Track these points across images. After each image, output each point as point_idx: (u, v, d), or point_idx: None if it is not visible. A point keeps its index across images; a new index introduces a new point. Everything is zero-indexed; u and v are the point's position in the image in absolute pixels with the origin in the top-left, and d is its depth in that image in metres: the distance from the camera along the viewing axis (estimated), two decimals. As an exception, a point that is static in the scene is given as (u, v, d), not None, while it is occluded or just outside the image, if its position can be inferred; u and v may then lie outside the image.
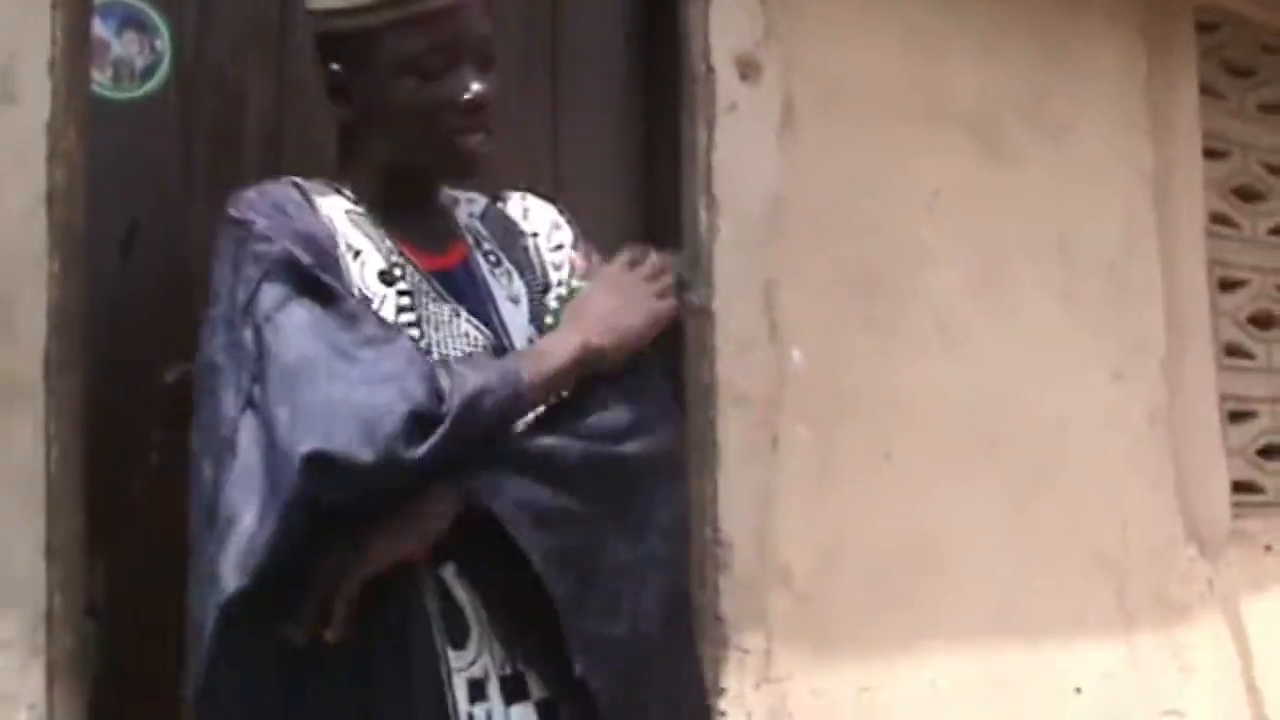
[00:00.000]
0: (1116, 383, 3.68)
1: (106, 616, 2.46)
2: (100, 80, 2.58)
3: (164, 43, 2.66)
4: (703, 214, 3.02)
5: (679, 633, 1.91)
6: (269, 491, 1.65)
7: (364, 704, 1.74)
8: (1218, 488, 3.90)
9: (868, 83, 3.29)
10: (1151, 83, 3.86)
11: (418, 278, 1.90)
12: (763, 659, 3.03)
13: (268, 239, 1.77)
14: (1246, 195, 4.19)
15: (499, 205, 2.08)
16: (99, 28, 2.58)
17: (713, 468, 3.02)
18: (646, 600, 1.81)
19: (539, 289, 2.01)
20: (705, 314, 3.03)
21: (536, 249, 2.04)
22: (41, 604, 2.29)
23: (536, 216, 2.07)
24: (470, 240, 2.01)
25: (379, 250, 1.88)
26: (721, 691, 2.95)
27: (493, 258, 2.01)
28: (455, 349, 1.88)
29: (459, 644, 1.79)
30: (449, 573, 1.79)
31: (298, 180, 1.92)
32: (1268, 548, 3.98)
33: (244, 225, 1.79)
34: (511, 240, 2.03)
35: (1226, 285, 4.08)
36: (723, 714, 2.95)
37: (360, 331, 1.75)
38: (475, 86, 1.85)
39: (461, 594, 1.79)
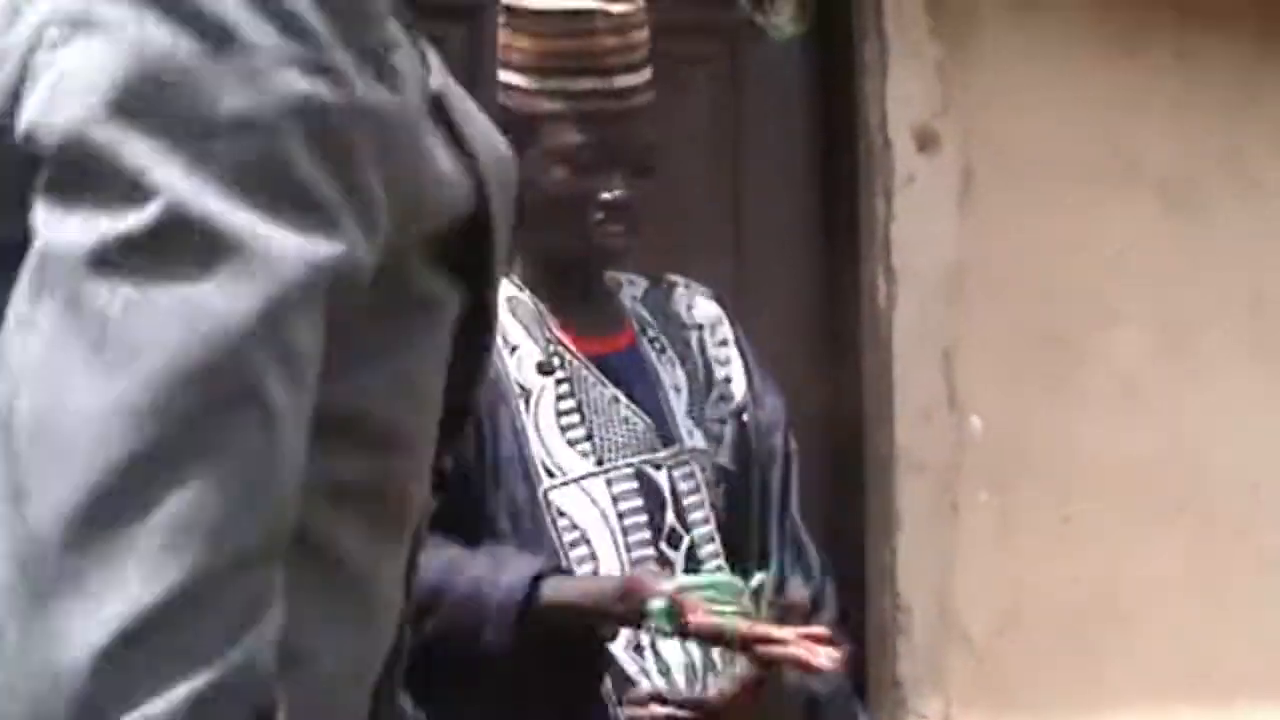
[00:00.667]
0: (1312, 442, 3.62)
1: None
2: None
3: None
4: (881, 285, 3.08)
5: None
6: None
7: None
8: None
9: (1049, 147, 3.30)
10: (1351, 132, 3.78)
11: (576, 364, 1.97)
12: (941, 723, 3.08)
13: None
14: None
15: (660, 289, 2.14)
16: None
17: (891, 534, 3.08)
18: None
19: (701, 382, 2.09)
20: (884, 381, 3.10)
21: (701, 342, 2.11)
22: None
23: (701, 310, 2.13)
24: (637, 325, 2.09)
25: (536, 341, 1.96)
26: (899, 755, 3.01)
27: (658, 344, 2.07)
28: (616, 435, 1.96)
29: None
30: None
31: None
32: None
33: None
34: (675, 329, 2.09)
35: None
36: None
37: None
38: (618, 190, 1.93)
39: None
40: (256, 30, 0.80)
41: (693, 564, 1.94)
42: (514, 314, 1.95)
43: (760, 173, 3.13)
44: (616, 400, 1.97)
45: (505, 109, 1.95)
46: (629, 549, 1.92)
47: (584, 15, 1.93)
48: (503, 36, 2.00)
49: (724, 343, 2.12)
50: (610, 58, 1.94)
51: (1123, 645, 3.29)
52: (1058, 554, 3.24)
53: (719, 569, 1.96)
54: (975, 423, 3.17)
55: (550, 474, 1.92)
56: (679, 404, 2.04)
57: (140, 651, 0.73)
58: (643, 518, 1.94)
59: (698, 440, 2.03)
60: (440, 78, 0.94)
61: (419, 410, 0.94)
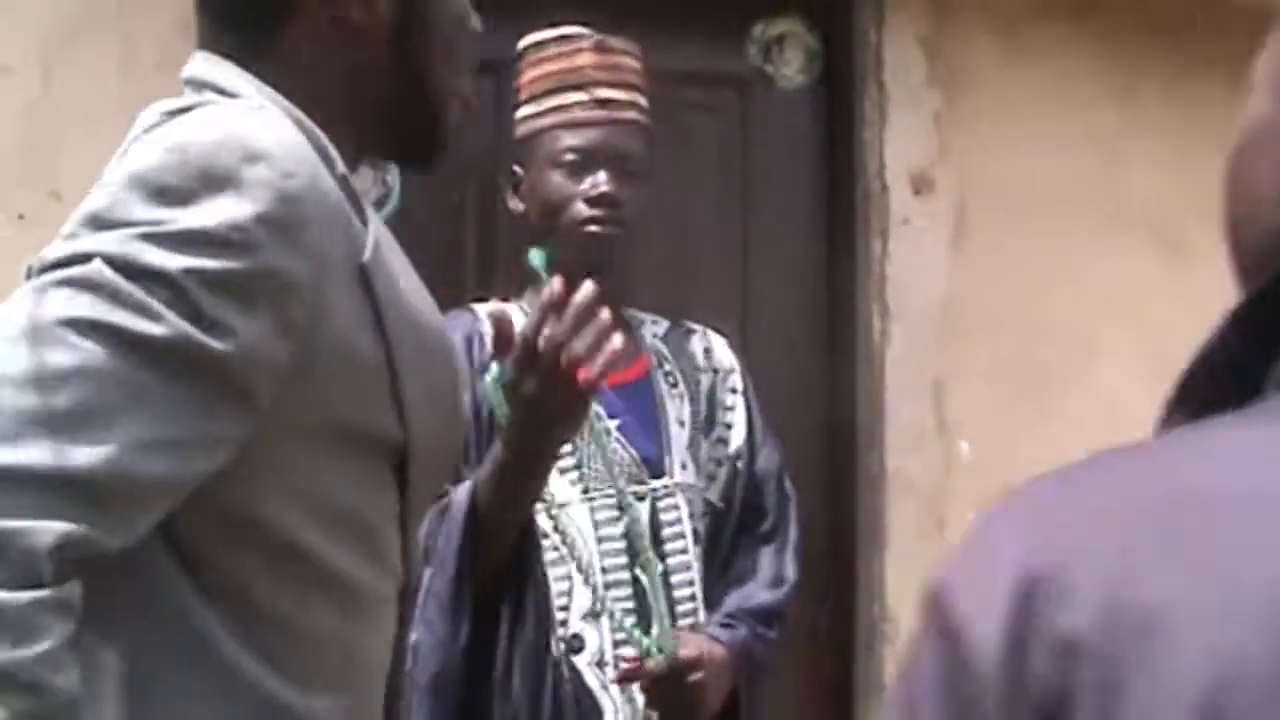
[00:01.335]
0: (1293, 471, 3.78)
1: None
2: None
3: (394, 176, 3.05)
4: (876, 320, 3.30)
5: None
6: None
7: None
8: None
9: (1041, 189, 3.49)
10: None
11: None
12: (923, 728, 3.28)
13: None
14: None
15: (679, 331, 2.37)
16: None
17: (881, 549, 3.30)
18: None
19: (704, 422, 2.31)
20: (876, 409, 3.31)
21: (712, 386, 2.32)
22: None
23: (718, 357, 2.36)
24: (653, 359, 2.32)
25: None
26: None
27: (671, 378, 2.29)
28: (603, 466, 2.15)
29: None
30: None
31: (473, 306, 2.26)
32: None
33: None
34: (690, 369, 2.31)
35: None
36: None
37: None
38: (605, 186, 2.18)
39: None
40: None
41: (666, 590, 2.15)
42: None
43: (765, 212, 3.34)
44: (609, 433, 2.18)
45: (518, 140, 2.25)
46: (604, 571, 2.14)
47: (569, 38, 2.25)
48: (516, 79, 2.30)
49: (734, 391, 2.35)
50: (593, 73, 2.23)
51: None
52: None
53: (691, 597, 2.20)
54: (964, 447, 3.39)
55: (541, 499, 2.13)
56: (680, 437, 2.25)
57: None
58: (620, 544, 2.15)
59: (689, 475, 2.24)
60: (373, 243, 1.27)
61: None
